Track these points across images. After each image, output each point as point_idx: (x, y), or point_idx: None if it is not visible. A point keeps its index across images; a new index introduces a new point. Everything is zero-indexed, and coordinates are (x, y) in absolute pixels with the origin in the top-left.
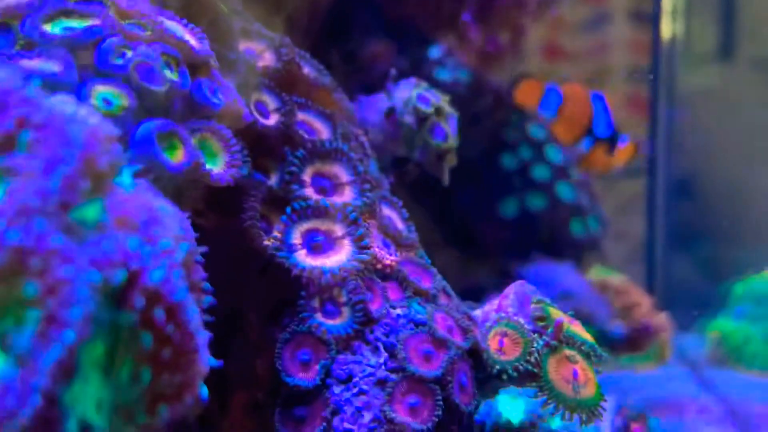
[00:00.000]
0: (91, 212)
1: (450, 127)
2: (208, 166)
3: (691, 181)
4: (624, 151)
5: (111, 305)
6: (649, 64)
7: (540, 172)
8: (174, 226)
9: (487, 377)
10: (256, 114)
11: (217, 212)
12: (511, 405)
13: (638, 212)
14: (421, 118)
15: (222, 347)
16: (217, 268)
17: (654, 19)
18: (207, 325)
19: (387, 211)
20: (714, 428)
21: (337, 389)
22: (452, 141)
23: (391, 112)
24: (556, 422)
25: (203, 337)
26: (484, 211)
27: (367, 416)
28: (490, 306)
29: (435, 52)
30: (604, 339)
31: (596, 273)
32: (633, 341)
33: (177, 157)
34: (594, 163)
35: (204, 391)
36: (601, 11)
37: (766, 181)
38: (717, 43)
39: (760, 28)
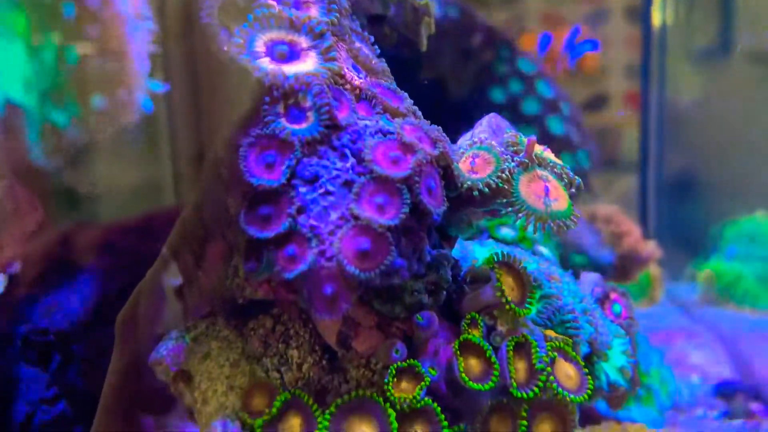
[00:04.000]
0: None
1: None
2: None
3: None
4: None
5: None
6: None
7: (529, 107)
8: None
9: (459, 197)
10: None
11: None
12: (487, 253)
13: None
14: None
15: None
16: (183, 95)
17: (644, 13)
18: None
19: (357, 43)
20: (702, 351)
21: (303, 189)
22: None
23: None
24: (532, 266)
25: (138, 42)
26: None
27: (334, 215)
28: (463, 138)
29: None
30: (594, 266)
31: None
32: (622, 268)
33: None
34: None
35: (147, 104)
36: (599, 9)
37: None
38: (714, 37)
39: (758, 21)
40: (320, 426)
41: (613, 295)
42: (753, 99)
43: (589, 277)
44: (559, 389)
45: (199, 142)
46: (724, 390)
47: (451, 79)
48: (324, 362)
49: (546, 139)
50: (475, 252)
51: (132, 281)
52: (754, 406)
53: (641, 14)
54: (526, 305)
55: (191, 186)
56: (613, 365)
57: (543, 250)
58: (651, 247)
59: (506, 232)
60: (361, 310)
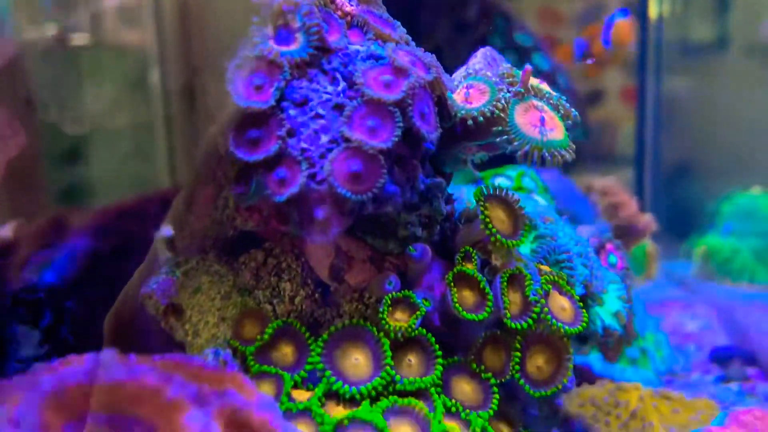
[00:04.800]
0: None
1: None
2: None
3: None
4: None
5: None
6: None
7: None
8: None
9: (453, 129)
10: None
11: None
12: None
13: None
14: None
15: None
16: (173, 37)
17: (641, 6)
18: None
19: None
20: (698, 321)
21: (292, 111)
22: None
23: None
24: (527, 208)
25: None
26: None
27: (325, 138)
28: (458, 72)
29: None
30: None
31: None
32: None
33: None
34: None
35: None
36: (596, 4)
37: None
38: (710, 30)
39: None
40: (313, 353)
41: (608, 246)
42: (750, 92)
43: (586, 228)
44: (554, 321)
45: (187, 75)
46: (720, 356)
47: (447, 52)
48: (317, 296)
49: None
50: (471, 196)
51: (125, 241)
52: (750, 371)
53: (638, 8)
54: (518, 237)
55: (180, 121)
56: (608, 310)
57: (539, 199)
58: (647, 219)
59: (501, 181)
60: (354, 243)
